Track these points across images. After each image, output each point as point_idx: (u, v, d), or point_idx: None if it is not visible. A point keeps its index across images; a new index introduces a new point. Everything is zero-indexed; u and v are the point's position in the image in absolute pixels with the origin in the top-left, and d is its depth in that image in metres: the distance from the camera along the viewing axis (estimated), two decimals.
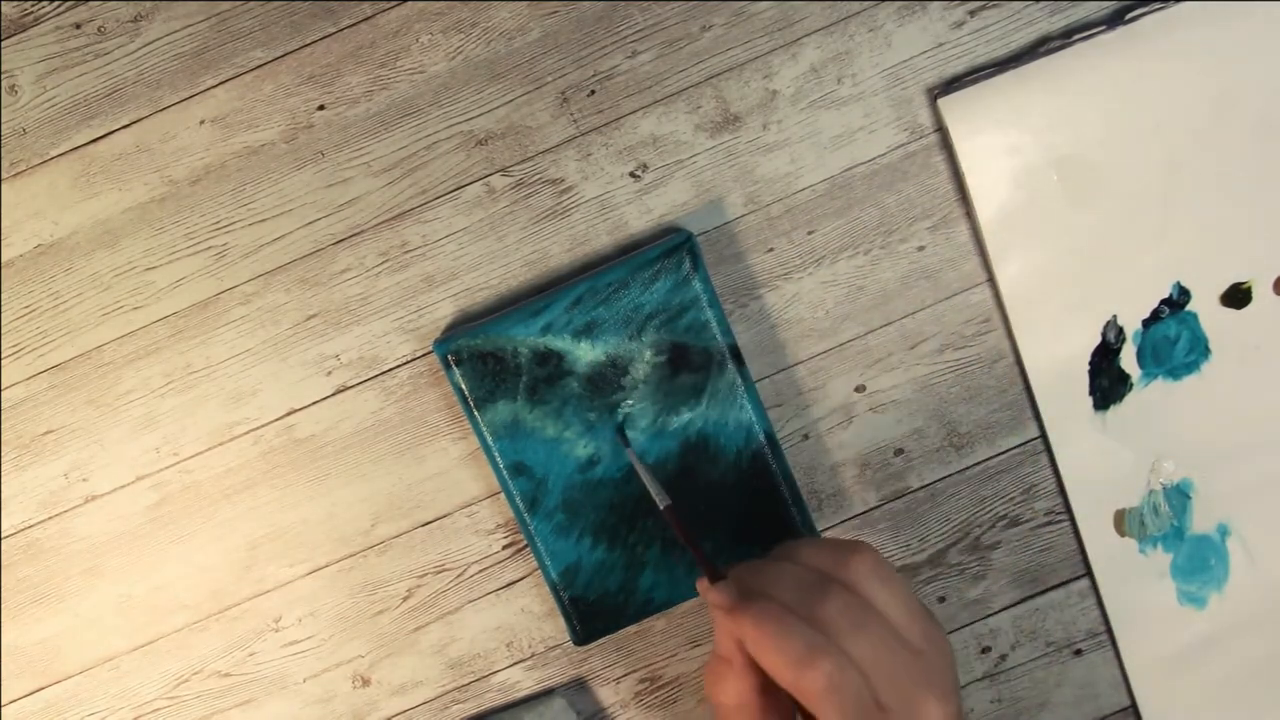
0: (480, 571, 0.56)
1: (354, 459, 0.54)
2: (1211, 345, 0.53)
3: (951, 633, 0.57)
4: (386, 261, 0.53)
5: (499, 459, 0.51)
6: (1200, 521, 0.55)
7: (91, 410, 0.54)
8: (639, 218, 0.53)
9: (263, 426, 0.54)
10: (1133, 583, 0.56)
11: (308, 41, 0.51)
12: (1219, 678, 0.56)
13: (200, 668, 0.56)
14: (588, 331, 0.50)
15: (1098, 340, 0.53)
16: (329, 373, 0.54)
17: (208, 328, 0.53)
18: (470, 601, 0.56)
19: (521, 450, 0.51)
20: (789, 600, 0.40)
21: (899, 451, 0.55)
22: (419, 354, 0.54)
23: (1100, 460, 0.54)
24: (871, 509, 0.56)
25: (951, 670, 0.41)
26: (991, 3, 0.51)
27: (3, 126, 0.51)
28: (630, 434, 0.51)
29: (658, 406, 0.51)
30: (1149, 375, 0.54)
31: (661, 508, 0.47)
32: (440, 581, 0.56)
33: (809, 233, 0.53)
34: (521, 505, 0.52)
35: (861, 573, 0.40)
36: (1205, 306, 0.53)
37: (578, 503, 0.52)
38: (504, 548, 0.56)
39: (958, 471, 0.55)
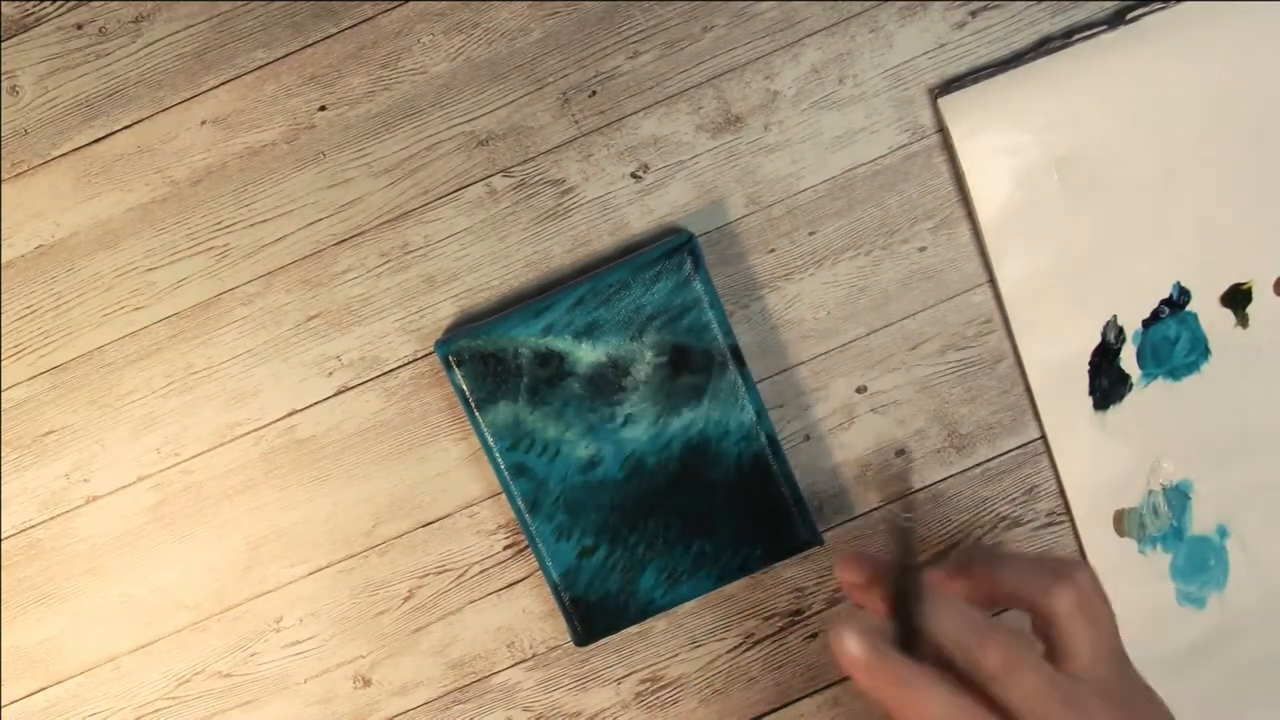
0: (481, 572, 0.56)
1: (355, 460, 0.54)
2: (1211, 345, 0.54)
3: None
4: (388, 262, 0.53)
5: (500, 460, 0.51)
6: (1200, 522, 0.55)
7: (93, 411, 0.54)
8: (640, 218, 0.53)
9: (264, 427, 0.54)
10: (1132, 583, 0.56)
11: (309, 42, 0.51)
12: (1218, 678, 0.57)
13: (201, 668, 0.56)
14: (589, 332, 0.50)
15: (1098, 340, 0.53)
16: (330, 373, 0.54)
17: (209, 328, 0.53)
18: (471, 602, 0.56)
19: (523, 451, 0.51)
20: (951, 638, 0.34)
21: (900, 452, 0.55)
22: (420, 355, 0.54)
23: (1100, 460, 0.54)
24: (873, 510, 0.56)
25: None
26: (993, 3, 0.51)
27: (4, 127, 0.51)
28: (631, 435, 0.51)
29: (659, 407, 0.51)
30: (1149, 375, 0.54)
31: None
32: (441, 582, 0.56)
33: (810, 233, 0.53)
34: (523, 506, 0.52)
35: (1064, 606, 0.36)
36: (1205, 306, 0.53)
37: (579, 503, 0.52)
38: (505, 548, 0.56)
39: (959, 472, 0.55)
